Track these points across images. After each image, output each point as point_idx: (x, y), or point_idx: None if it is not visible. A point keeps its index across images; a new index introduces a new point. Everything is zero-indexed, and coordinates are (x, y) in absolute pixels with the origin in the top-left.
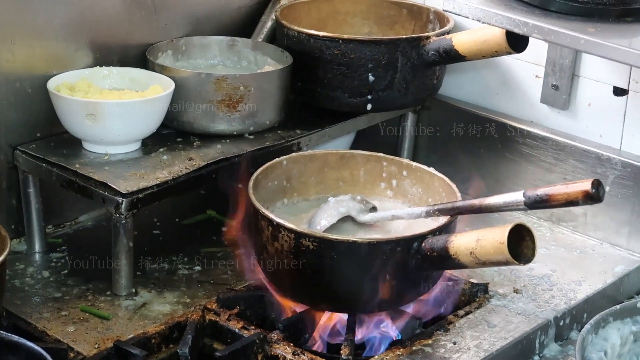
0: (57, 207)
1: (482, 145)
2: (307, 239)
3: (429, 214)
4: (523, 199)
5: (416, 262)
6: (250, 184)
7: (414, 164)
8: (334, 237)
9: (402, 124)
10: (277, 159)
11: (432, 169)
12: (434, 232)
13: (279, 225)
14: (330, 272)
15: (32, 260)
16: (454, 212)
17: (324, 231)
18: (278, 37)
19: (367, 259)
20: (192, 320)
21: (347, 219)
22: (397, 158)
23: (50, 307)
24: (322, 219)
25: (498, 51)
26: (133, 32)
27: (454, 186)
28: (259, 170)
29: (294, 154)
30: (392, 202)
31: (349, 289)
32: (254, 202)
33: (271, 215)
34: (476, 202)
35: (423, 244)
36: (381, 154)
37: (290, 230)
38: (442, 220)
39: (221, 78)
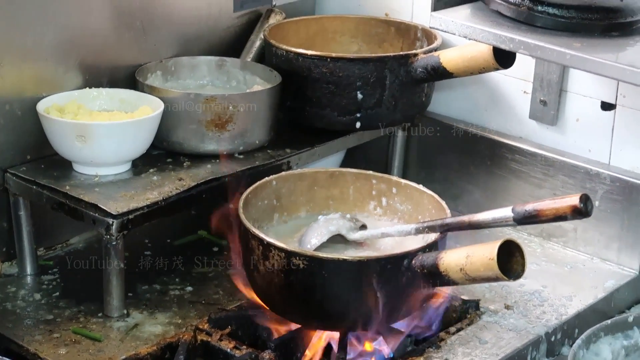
0: (48, 229)
1: (471, 161)
2: (297, 258)
3: (418, 231)
4: (512, 214)
5: (406, 280)
6: (241, 203)
7: (404, 181)
8: (324, 255)
9: (391, 141)
10: (266, 178)
11: (421, 186)
12: (424, 249)
13: (269, 245)
14: (321, 290)
15: (23, 282)
16: (444, 229)
17: (314, 250)
18: (267, 56)
19: (357, 277)
20: (184, 340)
21: (337, 237)
22: (386, 176)
23: (42, 329)
24: (312, 238)
25: (485, 67)
26: (122, 53)
27: (443, 203)
28: (248, 190)
29: (283, 173)
30: (382, 219)
31: (340, 307)
32: (244, 221)
33: (261, 235)
34: (465, 218)
35: (413, 261)
36: (370, 172)
37: (280, 250)
38: (432, 237)
39: (210, 98)
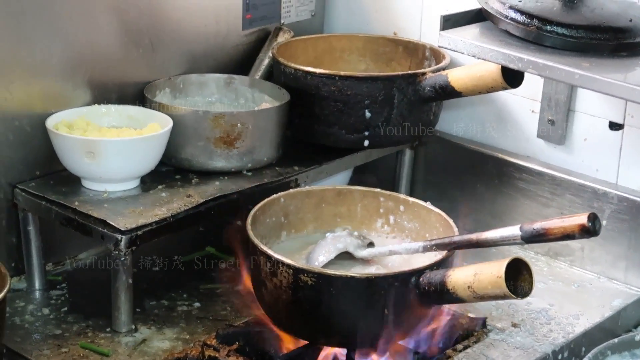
0: (57, 244)
1: (479, 180)
2: (305, 275)
3: (426, 249)
4: (520, 233)
5: (414, 297)
6: (249, 220)
7: (411, 199)
8: (332, 272)
9: (399, 159)
10: (274, 195)
11: (429, 204)
12: (432, 267)
13: (277, 261)
14: (329, 307)
15: (32, 297)
16: (452, 247)
17: (322, 267)
18: (275, 74)
19: (365, 294)
20: (191, 356)
21: (345, 254)
22: (394, 193)
23: (50, 344)
24: (320, 255)
25: (494, 87)
26: (131, 70)
27: (450, 221)
28: (256, 207)
29: (291, 190)
30: (390, 237)
31: (348, 324)
32: (252, 238)
33: (269, 251)
34: (473, 236)
35: (421, 279)
36: (378, 190)
37: (288, 266)
38: (440, 255)
39: (219, 115)
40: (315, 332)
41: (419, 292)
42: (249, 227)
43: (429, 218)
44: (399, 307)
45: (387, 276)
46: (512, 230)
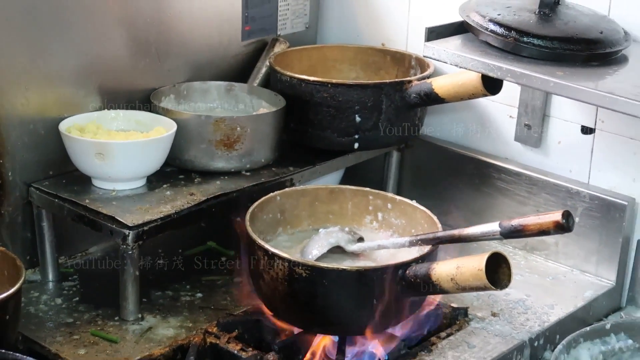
0: (69, 239)
1: (460, 180)
2: (300, 267)
3: (412, 244)
4: (499, 229)
5: (401, 288)
6: (247, 217)
7: (398, 197)
8: (325, 265)
9: (387, 161)
10: (271, 194)
11: (414, 202)
12: (417, 260)
13: (273, 255)
14: (322, 298)
15: (45, 288)
16: (436, 242)
17: (315, 260)
18: (272, 82)
19: (355, 286)
20: (194, 343)
21: (337, 248)
22: (382, 192)
23: (63, 331)
24: (313, 249)
25: (475, 94)
26: (138, 78)
27: (435, 218)
28: (255, 204)
29: (287, 189)
30: (378, 233)
31: (339, 313)
32: (250, 233)
33: (266, 246)
34: (456, 232)
35: (407, 271)
36: (367, 189)
37: (284, 260)
38: (425, 249)
39: (220, 120)
40: (309, 321)
41: (405, 283)
42: (247, 223)
43: (414, 215)
44: (386, 298)
45: (376, 269)
46: (492, 227)
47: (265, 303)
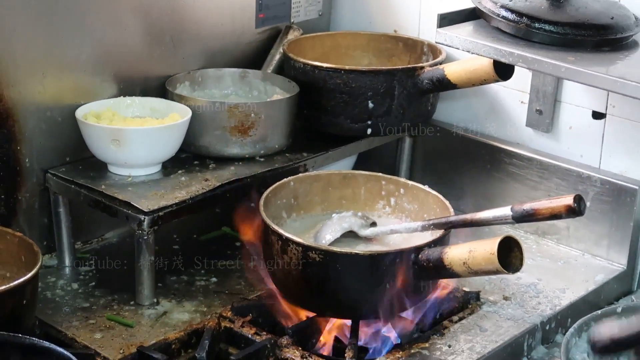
0: (85, 225)
1: (472, 165)
2: (313, 252)
3: (424, 228)
4: (511, 213)
5: (413, 273)
6: (261, 202)
7: (410, 182)
8: (338, 249)
9: (399, 146)
10: (285, 179)
11: (427, 187)
12: (430, 245)
13: (287, 240)
14: (335, 282)
15: (62, 273)
16: (448, 226)
17: (329, 245)
18: (285, 68)
19: (368, 270)
20: (208, 327)
21: (350, 233)
22: (394, 177)
23: (79, 316)
24: (327, 234)
25: (486, 79)
26: (153, 66)
27: (447, 203)
28: (269, 190)
29: (300, 174)
30: (391, 218)
31: (352, 298)
32: (264, 218)
33: (280, 230)
34: (468, 216)
35: (420, 256)
36: (380, 174)
37: (298, 244)
38: (437, 233)
39: (234, 106)
40: (322, 305)
41: (418, 268)
42: (261, 208)
43: (427, 200)
44: (399, 282)
45: (389, 253)
46: (504, 211)
47: (278, 287)
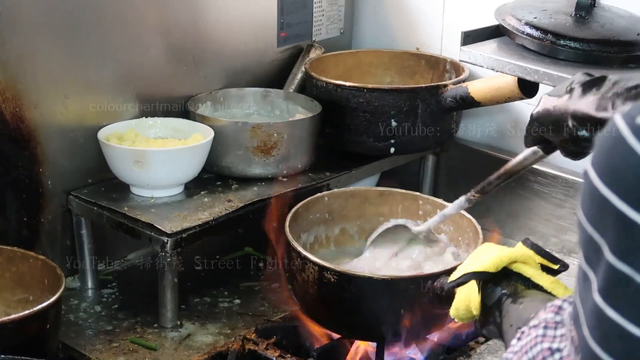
0: (108, 246)
1: None
2: (328, 272)
3: (469, 201)
4: (540, 149)
5: (428, 300)
6: (288, 218)
7: (447, 204)
8: (353, 272)
9: (422, 164)
10: (319, 194)
11: (462, 211)
12: (445, 273)
13: (305, 258)
14: (350, 303)
15: (85, 296)
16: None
17: (370, 242)
18: (308, 87)
19: (383, 293)
20: (232, 349)
21: (402, 238)
22: (431, 198)
23: (102, 339)
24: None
25: (511, 97)
26: (175, 86)
27: (479, 227)
28: (298, 205)
29: (335, 190)
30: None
31: (370, 320)
32: (287, 234)
33: (299, 248)
34: (501, 171)
35: (435, 283)
36: (417, 193)
37: (314, 263)
38: (452, 263)
39: (256, 126)
40: (342, 326)
41: (432, 294)
42: (287, 225)
43: (461, 223)
44: (417, 306)
45: (404, 278)
46: (532, 150)
47: (299, 304)
